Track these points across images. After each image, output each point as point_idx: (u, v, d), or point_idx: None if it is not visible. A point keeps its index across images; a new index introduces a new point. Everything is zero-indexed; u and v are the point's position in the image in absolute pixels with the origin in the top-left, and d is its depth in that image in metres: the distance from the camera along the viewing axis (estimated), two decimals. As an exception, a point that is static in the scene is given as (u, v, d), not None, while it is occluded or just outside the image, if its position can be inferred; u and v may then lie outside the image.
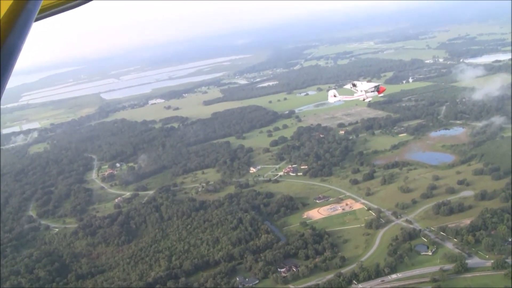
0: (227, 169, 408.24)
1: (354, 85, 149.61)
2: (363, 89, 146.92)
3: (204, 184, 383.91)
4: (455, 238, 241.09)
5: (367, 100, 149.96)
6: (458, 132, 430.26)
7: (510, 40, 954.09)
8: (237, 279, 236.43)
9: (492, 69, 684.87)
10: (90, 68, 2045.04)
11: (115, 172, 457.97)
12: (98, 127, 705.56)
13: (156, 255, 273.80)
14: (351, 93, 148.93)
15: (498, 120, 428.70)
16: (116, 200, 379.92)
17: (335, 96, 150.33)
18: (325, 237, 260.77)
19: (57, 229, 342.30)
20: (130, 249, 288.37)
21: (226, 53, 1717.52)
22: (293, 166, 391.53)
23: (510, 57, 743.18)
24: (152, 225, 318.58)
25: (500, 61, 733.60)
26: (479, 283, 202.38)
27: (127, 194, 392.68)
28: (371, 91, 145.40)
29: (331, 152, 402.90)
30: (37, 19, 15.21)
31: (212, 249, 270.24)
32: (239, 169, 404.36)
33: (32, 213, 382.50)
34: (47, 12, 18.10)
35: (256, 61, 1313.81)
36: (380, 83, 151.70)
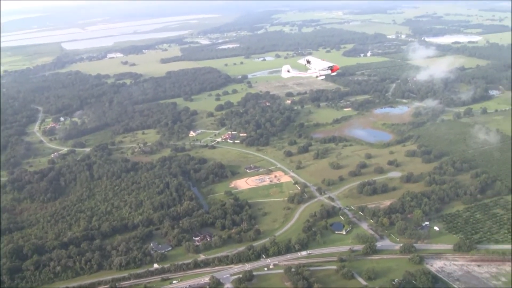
0: (167, 131, 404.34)
1: (308, 62, 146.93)
2: (317, 68, 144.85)
3: (141, 145, 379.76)
4: (372, 219, 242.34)
5: (320, 78, 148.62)
6: (402, 111, 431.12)
7: (472, 22, 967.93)
8: (151, 244, 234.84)
9: (449, 50, 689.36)
10: (58, 16, 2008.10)
11: (57, 126, 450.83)
12: (51, 77, 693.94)
13: (77, 215, 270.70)
14: (305, 68, 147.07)
15: (442, 102, 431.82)
16: (52, 156, 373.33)
17: (288, 71, 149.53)
18: (245, 208, 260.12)
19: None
20: (54, 207, 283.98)
21: (197, 11, 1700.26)
22: (232, 133, 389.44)
23: (468, 40, 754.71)
24: (81, 183, 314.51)
25: (459, 43, 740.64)
26: (383, 266, 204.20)
27: (64, 149, 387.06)
28: (325, 70, 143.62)
29: (272, 122, 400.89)
30: None
31: (134, 212, 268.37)
32: (179, 132, 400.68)
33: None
34: None
35: (224, 21, 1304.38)
36: (333, 64, 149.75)
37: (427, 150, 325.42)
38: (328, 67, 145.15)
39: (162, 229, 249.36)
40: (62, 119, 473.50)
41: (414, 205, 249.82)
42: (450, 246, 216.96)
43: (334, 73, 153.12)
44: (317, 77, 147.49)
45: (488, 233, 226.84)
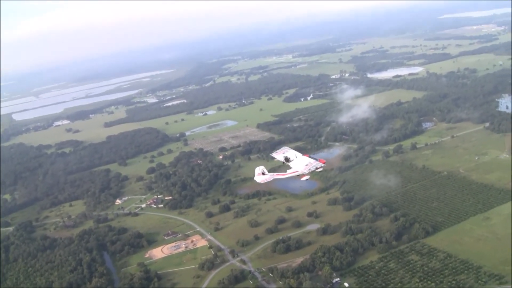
0: (93, 201, 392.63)
1: (287, 160, 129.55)
2: (300, 167, 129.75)
3: (65, 219, 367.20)
4: (280, 281, 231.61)
5: (304, 178, 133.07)
6: (332, 155, 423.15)
7: (416, 53, 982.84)
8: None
9: (389, 85, 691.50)
10: (17, 84, 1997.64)
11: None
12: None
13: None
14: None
15: (372, 141, 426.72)
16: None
17: (263, 174, 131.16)
18: (154, 280, 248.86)
19: None
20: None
21: (151, 68, 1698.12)
22: (158, 197, 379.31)
23: (409, 72, 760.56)
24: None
25: (399, 76, 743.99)
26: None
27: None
28: (312, 168, 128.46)
29: (198, 181, 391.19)
30: None
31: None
32: (105, 201, 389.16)
33: None
34: None
35: (175, 76, 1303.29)
36: (319, 159, 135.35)
37: (349, 197, 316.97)
38: (315, 164, 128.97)
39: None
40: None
41: (325, 261, 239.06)
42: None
43: (321, 169, 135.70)
44: (299, 176, 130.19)
45: (399, 283, 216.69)
